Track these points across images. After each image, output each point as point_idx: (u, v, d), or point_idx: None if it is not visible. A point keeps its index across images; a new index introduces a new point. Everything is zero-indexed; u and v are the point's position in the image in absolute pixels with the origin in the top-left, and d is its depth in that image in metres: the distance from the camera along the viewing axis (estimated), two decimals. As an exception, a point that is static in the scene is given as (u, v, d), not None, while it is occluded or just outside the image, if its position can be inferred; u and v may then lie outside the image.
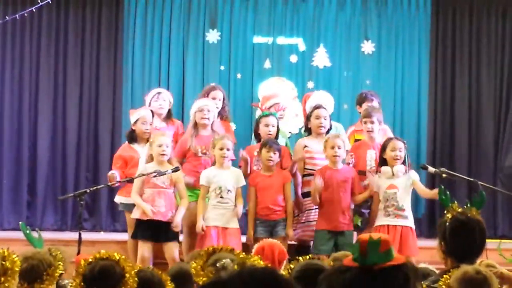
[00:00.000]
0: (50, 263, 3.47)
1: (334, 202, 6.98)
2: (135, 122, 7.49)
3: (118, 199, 7.56)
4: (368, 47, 9.83)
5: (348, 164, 7.25)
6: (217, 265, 3.48)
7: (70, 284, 3.41)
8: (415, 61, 9.84)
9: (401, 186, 6.95)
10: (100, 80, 9.91)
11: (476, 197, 3.92)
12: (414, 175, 7.06)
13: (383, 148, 7.05)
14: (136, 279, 3.17)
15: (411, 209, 7.15)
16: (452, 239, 3.75)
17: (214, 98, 7.71)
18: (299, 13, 9.90)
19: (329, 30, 9.88)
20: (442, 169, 7.26)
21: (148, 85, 9.57)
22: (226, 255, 3.45)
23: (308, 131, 7.51)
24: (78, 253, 6.02)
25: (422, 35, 9.85)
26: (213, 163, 7.15)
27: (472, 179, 7.51)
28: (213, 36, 9.83)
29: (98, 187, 7.75)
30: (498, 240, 8.92)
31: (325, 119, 7.36)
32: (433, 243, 7.11)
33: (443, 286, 3.40)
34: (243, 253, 3.32)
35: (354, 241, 7.15)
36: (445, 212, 3.86)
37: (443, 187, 4.17)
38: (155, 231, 6.93)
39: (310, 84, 9.74)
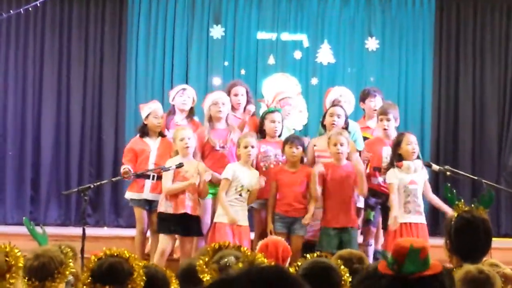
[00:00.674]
0: (61, 261, 3.46)
1: (337, 199, 6.96)
2: (147, 116, 7.49)
3: (129, 195, 7.53)
4: (372, 43, 9.82)
5: (365, 161, 7.24)
6: (221, 262, 3.48)
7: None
8: (419, 58, 9.83)
9: (420, 182, 6.95)
10: (103, 75, 9.91)
11: (485, 196, 3.91)
12: (426, 174, 7.05)
13: (397, 143, 7.00)
14: (143, 277, 3.17)
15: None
16: (456, 238, 3.75)
17: (236, 95, 7.62)
18: (303, 9, 9.90)
19: (333, 27, 9.88)
20: (446, 167, 7.24)
21: (152, 80, 9.58)
22: (231, 252, 3.45)
23: (324, 127, 7.47)
24: (82, 248, 6.01)
25: (426, 32, 9.85)
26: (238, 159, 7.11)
27: (476, 177, 7.50)
28: (217, 32, 9.83)
29: (102, 182, 7.74)
30: (502, 239, 8.96)
31: (338, 117, 7.25)
32: (436, 241, 7.11)
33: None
34: (250, 251, 3.31)
35: (358, 238, 7.17)
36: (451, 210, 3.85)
37: (449, 185, 4.16)
38: (179, 224, 6.93)
39: (314, 81, 9.74)
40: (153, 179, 7.30)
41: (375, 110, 7.73)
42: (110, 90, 9.89)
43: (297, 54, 9.82)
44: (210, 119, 7.34)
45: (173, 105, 7.74)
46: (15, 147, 9.76)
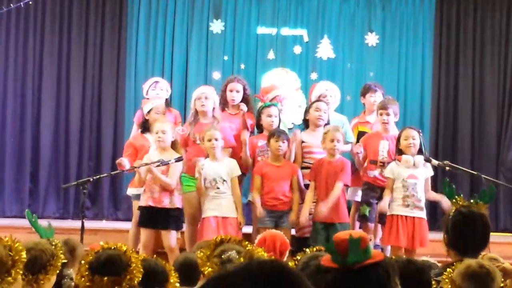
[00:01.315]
0: (52, 253, 3.48)
1: (326, 194, 6.98)
2: (149, 112, 7.53)
3: (131, 191, 7.57)
4: (372, 39, 9.82)
5: (356, 154, 7.27)
6: (223, 256, 3.48)
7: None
8: (419, 53, 9.84)
9: (421, 177, 6.96)
10: (103, 69, 9.91)
11: (486, 191, 3.91)
12: (430, 171, 7.05)
13: (398, 138, 7.07)
14: (141, 270, 3.19)
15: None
16: (454, 232, 3.76)
17: (231, 91, 7.63)
18: (303, 4, 9.90)
19: (333, 22, 9.88)
20: (446, 162, 7.27)
21: (152, 74, 9.56)
22: (233, 246, 3.45)
23: (305, 122, 7.51)
24: (81, 241, 6.02)
25: (426, 28, 9.85)
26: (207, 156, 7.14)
27: (475, 173, 7.51)
28: (217, 26, 9.83)
29: (101, 175, 7.76)
30: (500, 234, 8.98)
31: (324, 113, 7.38)
32: (434, 236, 7.14)
33: (446, 280, 3.39)
34: (251, 245, 3.32)
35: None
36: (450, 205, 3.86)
37: (447, 179, 4.17)
38: (156, 218, 6.96)
39: (314, 76, 9.74)
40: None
41: (376, 105, 7.75)
42: (110, 84, 9.89)
43: (297, 49, 9.82)
44: (196, 113, 7.37)
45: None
46: (15, 141, 9.76)
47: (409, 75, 9.83)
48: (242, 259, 3.14)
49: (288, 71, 9.72)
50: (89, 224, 7.90)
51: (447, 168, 7.13)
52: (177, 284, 3.49)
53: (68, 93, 9.87)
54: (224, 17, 9.86)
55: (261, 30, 9.85)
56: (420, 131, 7.23)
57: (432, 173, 7.07)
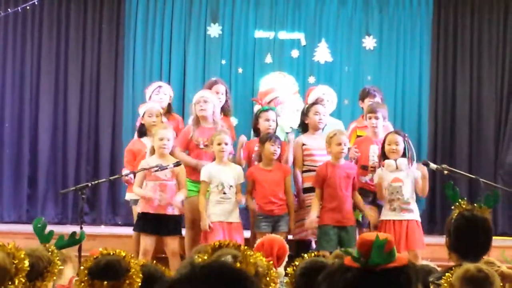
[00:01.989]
0: (49, 259, 3.48)
1: (337, 197, 6.99)
2: (143, 116, 7.54)
3: (129, 196, 7.56)
4: (369, 42, 9.83)
5: (353, 159, 7.27)
6: (218, 261, 3.47)
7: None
8: (417, 57, 9.84)
9: (406, 179, 6.96)
10: (101, 74, 9.91)
11: (490, 196, 3.91)
12: (417, 173, 7.05)
13: (383, 142, 7.09)
14: (140, 275, 3.20)
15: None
16: (456, 235, 3.76)
17: (217, 93, 7.71)
18: (300, 8, 9.90)
19: (331, 25, 9.88)
20: (444, 165, 7.25)
21: (150, 79, 9.56)
22: (230, 251, 3.44)
23: (303, 126, 7.50)
24: (79, 247, 6.01)
25: (423, 31, 9.85)
26: (214, 159, 7.15)
27: (473, 176, 7.50)
28: (214, 30, 9.83)
29: (100, 181, 7.76)
30: (499, 237, 8.96)
31: (324, 115, 7.42)
32: (433, 239, 7.14)
33: (445, 284, 3.39)
34: (249, 250, 3.31)
35: (356, 237, 7.18)
36: (453, 208, 3.85)
37: (452, 182, 4.15)
38: (158, 224, 6.94)
39: (311, 79, 9.74)
40: None
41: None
42: (108, 89, 9.88)
43: (295, 53, 9.82)
44: (197, 117, 7.38)
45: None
46: (13, 145, 9.75)
47: (407, 79, 9.83)
48: (238, 264, 3.13)
49: (286, 75, 9.67)
50: (88, 229, 7.85)
51: (446, 172, 7.12)
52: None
53: (66, 98, 9.86)
54: (221, 21, 9.86)
55: (259, 34, 9.85)
56: (407, 135, 7.24)
57: (419, 173, 7.07)
